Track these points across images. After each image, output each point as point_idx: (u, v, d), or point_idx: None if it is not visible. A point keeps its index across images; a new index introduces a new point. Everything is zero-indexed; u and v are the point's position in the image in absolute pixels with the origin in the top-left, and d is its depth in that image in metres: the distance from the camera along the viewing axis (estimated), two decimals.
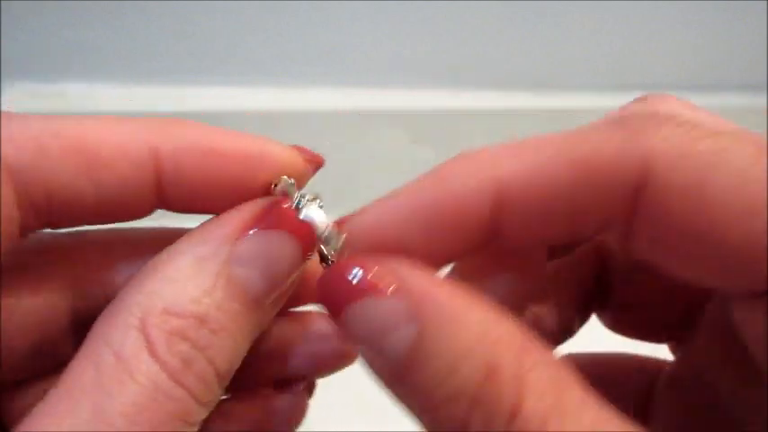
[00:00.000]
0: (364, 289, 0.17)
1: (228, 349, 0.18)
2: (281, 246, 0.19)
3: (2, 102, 0.53)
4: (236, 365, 0.19)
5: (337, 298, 0.17)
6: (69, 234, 0.21)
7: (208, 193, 0.20)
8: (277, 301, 0.20)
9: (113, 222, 0.20)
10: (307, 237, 0.19)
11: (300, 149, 0.22)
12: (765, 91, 0.56)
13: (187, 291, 0.18)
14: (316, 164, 0.22)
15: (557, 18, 0.53)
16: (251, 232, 0.19)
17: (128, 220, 0.20)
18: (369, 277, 0.17)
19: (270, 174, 0.20)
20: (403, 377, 0.16)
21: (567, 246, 0.23)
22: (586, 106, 0.57)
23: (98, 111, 0.54)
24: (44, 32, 0.51)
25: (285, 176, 0.21)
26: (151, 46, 0.53)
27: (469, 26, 0.53)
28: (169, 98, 0.54)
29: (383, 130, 0.55)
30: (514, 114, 0.56)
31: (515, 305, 0.20)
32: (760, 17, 0.53)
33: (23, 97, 0.53)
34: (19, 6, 0.49)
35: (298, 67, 0.54)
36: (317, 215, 0.20)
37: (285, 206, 0.19)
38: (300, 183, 0.21)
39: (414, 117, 0.56)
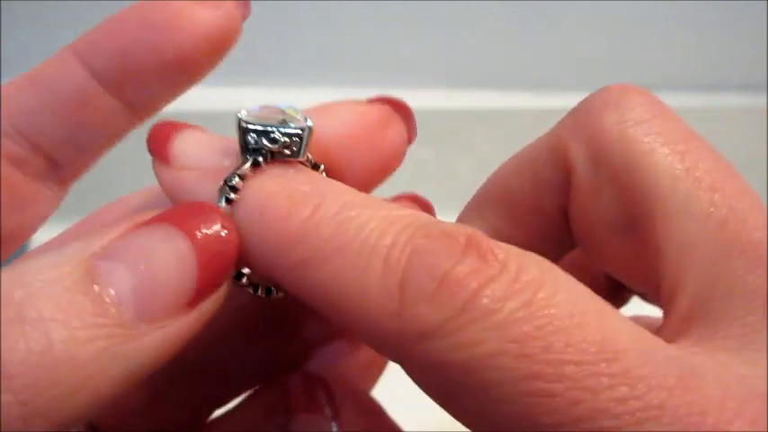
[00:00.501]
0: None
1: (35, 348, 0.13)
2: (162, 241, 0.15)
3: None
4: (63, 384, 0.13)
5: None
6: None
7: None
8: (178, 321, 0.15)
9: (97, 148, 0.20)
10: (209, 237, 0.15)
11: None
12: (765, 91, 0.56)
13: (38, 269, 0.14)
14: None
15: (557, 18, 0.53)
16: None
17: (110, 137, 0.20)
18: None
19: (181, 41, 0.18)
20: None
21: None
22: None
23: None
24: (44, 32, 0.51)
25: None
26: None
27: (469, 26, 0.53)
28: None
29: None
30: (514, 114, 0.56)
31: None
32: (760, 17, 0.53)
33: None
34: (19, 6, 0.49)
35: (298, 67, 0.54)
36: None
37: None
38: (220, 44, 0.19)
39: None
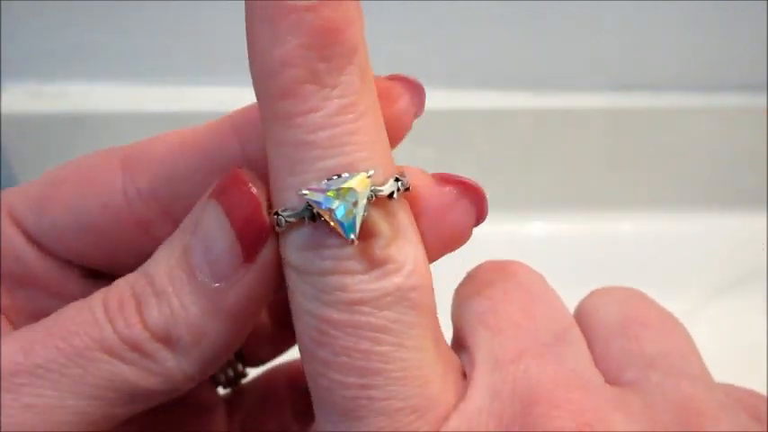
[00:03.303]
0: None
1: (165, 313, 0.18)
2: (213, 214, 0.18)
3: (2, 102, 0.53)
4: (187, 336, 0.18)
5: None
6: None
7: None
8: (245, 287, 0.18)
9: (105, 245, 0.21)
10: (242, 209, 0.18)
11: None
12: (765, 91, 0.56)
13: (160, 254, 0.19)
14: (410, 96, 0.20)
15: (557, 18, 0.53)
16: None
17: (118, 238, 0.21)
18: None
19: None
20: None
21: None
22: (586, 106, 0.57)
23: (98, 111, 0.54)
24: (44, 32, 0.51)
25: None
26: (151, 46, 0.53)
27: (469, 26, 0.53)
28: (169, 98, 0.54)
29: None
30: (514, 114, 0.56)
31: None
32: (760, 17, 0.53)
33: (23, 97, 0.53)
34: (19, 6, 0.49)
35: None
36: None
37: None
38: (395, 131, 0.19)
39: None
